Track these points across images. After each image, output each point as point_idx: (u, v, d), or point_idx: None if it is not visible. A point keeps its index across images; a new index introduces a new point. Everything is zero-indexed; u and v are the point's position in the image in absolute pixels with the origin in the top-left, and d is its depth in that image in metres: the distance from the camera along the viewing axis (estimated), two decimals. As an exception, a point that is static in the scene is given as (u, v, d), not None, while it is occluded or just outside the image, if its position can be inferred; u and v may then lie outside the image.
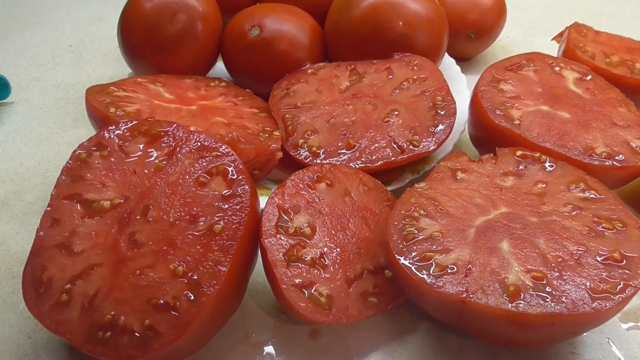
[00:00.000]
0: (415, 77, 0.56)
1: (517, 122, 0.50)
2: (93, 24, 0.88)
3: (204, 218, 0.39)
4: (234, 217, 0.38)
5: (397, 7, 0.59)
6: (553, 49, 0.66)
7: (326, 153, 0.52)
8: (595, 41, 0.63)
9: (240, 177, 0.40)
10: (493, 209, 0.42)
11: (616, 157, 0.48)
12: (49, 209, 0.42)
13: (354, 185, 0.46)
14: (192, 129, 0.43)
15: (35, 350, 0.42)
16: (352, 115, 0.54)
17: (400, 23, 0.59)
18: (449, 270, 0.38)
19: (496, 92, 0.53)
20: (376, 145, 0.51)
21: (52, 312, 0.38)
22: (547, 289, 0.36)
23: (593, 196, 0.43)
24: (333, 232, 0.43)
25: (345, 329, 0.43)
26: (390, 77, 0.57)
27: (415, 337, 0.42)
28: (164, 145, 0.43)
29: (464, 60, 0.73)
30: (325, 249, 0.42)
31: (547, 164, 0.46)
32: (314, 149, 0.52)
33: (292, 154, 0.53)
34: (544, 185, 0.44)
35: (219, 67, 0.66)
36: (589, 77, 0.56)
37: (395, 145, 0.51)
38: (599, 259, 0.38)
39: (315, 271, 0.40)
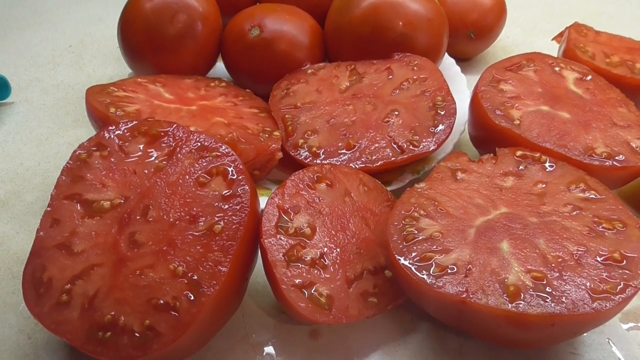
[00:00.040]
0: (415, 77, 0.56)
1: (517, 122, 0.50)
2: (93, 24, 0.88)
3: (204, 218, 0.39)
4: (234, 217, 0.38)
5: (397, 7, 0.59)
6: (553, 49, 0.66)
7: (326, 153, 0.52)
8: (595, 41, 0.63)
9: (240, 177, 0.40)
10: (493, 209, 0.42)
11: (616, 157, 0.48)
12: (49, 209, 0.42)
13: (354, 186, 0.46)
14: (192, 129, 0.43)
15: (35, 351, 0.42)
16: (352, 115, 0.54)
17: (400, 23, 0.59)
18: (449, 271, 0.38)
19: (496, 92, 0.53)
20: (376, 145, 0.51)
21: (52, 312, 0.38)
22: (547, 289, 0.36)
23: (593, 196, 0.43)
24: (333, 232, 0.43)
25: (346, 329, 0.43)
26: (390, 77, 0.57)
27: (415, 338, 0.42)
28: (164, 145, 0.43)
29: (464, 61, 0.73)
30: (325, 249, 0.42)
31: (547, 164, 0.46)
32: (314, 149, 0.52)
33: (292, 154, 0.53)
34: (544, 185, 0.44)
35: (219, 68, 0.66)
36: (589, 77, 0.56)
37: (395, 146, 0.51)
38: (599, 259, 0.38)
39: (315, 271, 0.40)
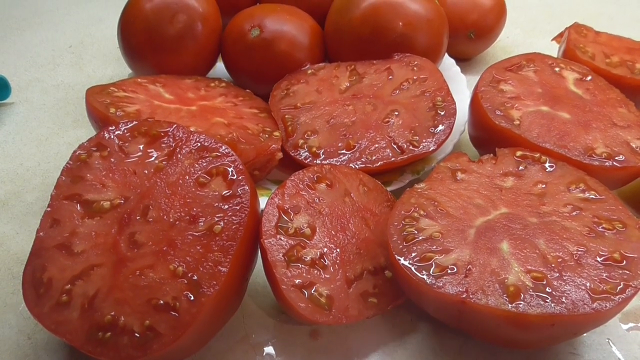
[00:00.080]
0: (415, 77, 0.56)
1: (517, 122, 0.50)
2: (93, 24, 0.88)
3: (204, 218, 0.39)
4: (233, 217, 0.38)
5: (397, 8, 0.59)
6: (553, 50, 0.66)
7: (326, 153, 0.52)
8: (595, 42, 0.63)
9: (240, 177, 0.40)
10: (493, 210, 0.42)
11: (616, 158, 0.48)
12: (49, 209, 0.42)
13: (354, 186, 0.46)
14: (192, 130, 0.43)
15: (35, 351, 0.42)
16: (352, 115, 0.54)
17: (400, 23, 0.59)
18: (449, 271, 0.38)
19: (496, 92, 0.53)
20: (376, 145, 0.51)
21: (52, 313, 0.38)
22: (547, 289, 0.36)
23: (593, 197, 0.43)
24: (333, 233, 0.43)
25: (345, 329, 0.43)
26: (390, 77, 0.57)
27: (415, 338, 0.42)
28: (164, 145, 0.43)
29: (464, 61, 0.73)
30: (325, 249, 0.42)
31: (547, 165, 0.46)
32: (314, 149, 0.52)
33: (292, 154, 0.53)
34: (544, 185, 0.44)
35: (219, 68, 0.66)
36: (589, 78, 0.56)
37: (395, 146, 0.51)
38: (599, 259, 0.38)
39: (315, 271, 0.40)
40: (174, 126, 0.44)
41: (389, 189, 0.50)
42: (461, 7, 0.70)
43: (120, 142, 0.44)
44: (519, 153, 0.47)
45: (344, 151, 0.52)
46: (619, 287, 0.36)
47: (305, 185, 0.44)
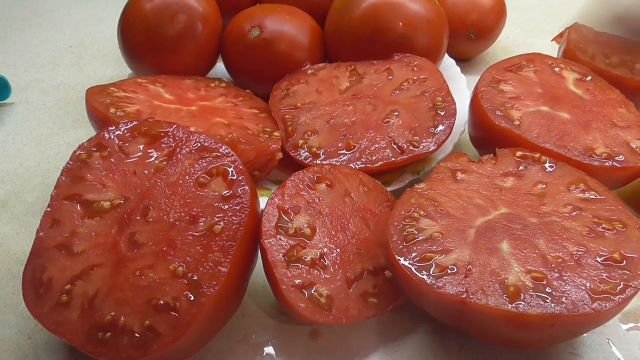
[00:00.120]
0: (415, 77, 0.56)
1: (517, 122, 0.50)
2: (93, 25, 0.88)
3: (204, 219, 0.39)
4: (234, 217, 0.38)
5: (397, 8, 0.59)
6: (553, 50, 0.66)
7: (326, 154, 0.52)
8: (595, 42, 0.63)
9: (240, 177, 0.40)
10: (493, 210, 0.42)
11: (616, 158, 0.48)
12: (49, 209, 0.42)
13: (354, 186, 0.46)
14: (192, 130, 0.43)
15: (35, 351, 0.42)
16: (352, 115, 0.54)
17: (400, 24, 0.59)
18: (449, 271, 0.38)
19: (496, 92, 0.53)
20: (376, 145, 0.51)
21: (52, 313, 0.38)
22: (547, 289, 0.36)
23: (593, 197, 0.43)
24: (333, 233, 0.43)
25: (345, 329, 0.43)
26: (390, 77, 0.57)
27: (415, 338, 0.42)
28: (164, 145, 0.43)
29: (464, 61, 0.73)
30: (325, 249, 0.42)
31: (547, 165, 0.46)
32: (314, 149, 0.52)
33: (292, 154, 0.53)
34: (544, 185, 0.44)
35: (219, 68, 0.66)
36: (589, 78, 0.56)
37: (395, 146, 0.51)
38: (599, 259, 0.38)
39: (315, 272, 0.40)
40: (174, 126, 0.44)
41: (389, 189, 0.50)
42: (461, 7, 0.70)
43: (120, 142, 0.44)
44: (519, 153, 0.47)
45: (344, 151, 0.52)
46: (618, 287, 0.36)
47: (305, 186, 0.44)
